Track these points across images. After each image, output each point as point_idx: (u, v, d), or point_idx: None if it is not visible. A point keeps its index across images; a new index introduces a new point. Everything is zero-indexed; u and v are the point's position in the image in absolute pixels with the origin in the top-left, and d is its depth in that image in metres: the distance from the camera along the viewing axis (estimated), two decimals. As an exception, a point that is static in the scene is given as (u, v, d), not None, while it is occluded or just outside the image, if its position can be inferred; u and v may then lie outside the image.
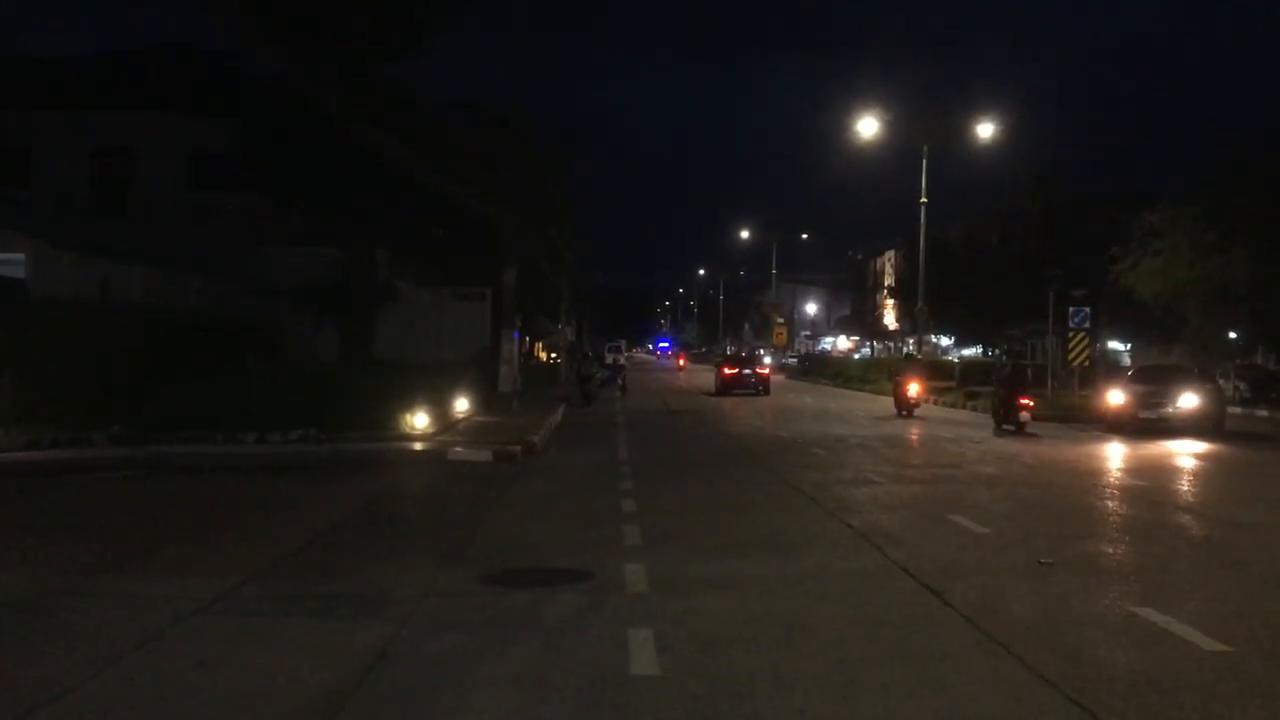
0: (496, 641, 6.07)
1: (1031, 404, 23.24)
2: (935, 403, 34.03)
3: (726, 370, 41.68)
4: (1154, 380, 23.57)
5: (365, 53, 20.99)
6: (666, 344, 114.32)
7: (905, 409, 28.24)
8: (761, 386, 40.20)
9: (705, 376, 50.34)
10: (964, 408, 31.66)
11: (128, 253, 23.38)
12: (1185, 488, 14.55)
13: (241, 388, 17.14)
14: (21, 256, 19.99)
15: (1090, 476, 15.45)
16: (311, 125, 21.89)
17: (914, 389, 29.11)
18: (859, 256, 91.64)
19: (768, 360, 54.30)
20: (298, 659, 5.74)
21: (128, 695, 5.15)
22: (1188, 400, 22.06)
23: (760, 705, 5.03)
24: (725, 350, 76.20)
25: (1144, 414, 22.22)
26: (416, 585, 7.43)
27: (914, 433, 23.12)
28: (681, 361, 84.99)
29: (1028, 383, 25.14)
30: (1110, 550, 9.44)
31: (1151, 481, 14.65)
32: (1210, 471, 16.60)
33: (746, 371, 41.35)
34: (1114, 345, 47.56)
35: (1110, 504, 12.78)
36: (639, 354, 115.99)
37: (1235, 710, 5.07)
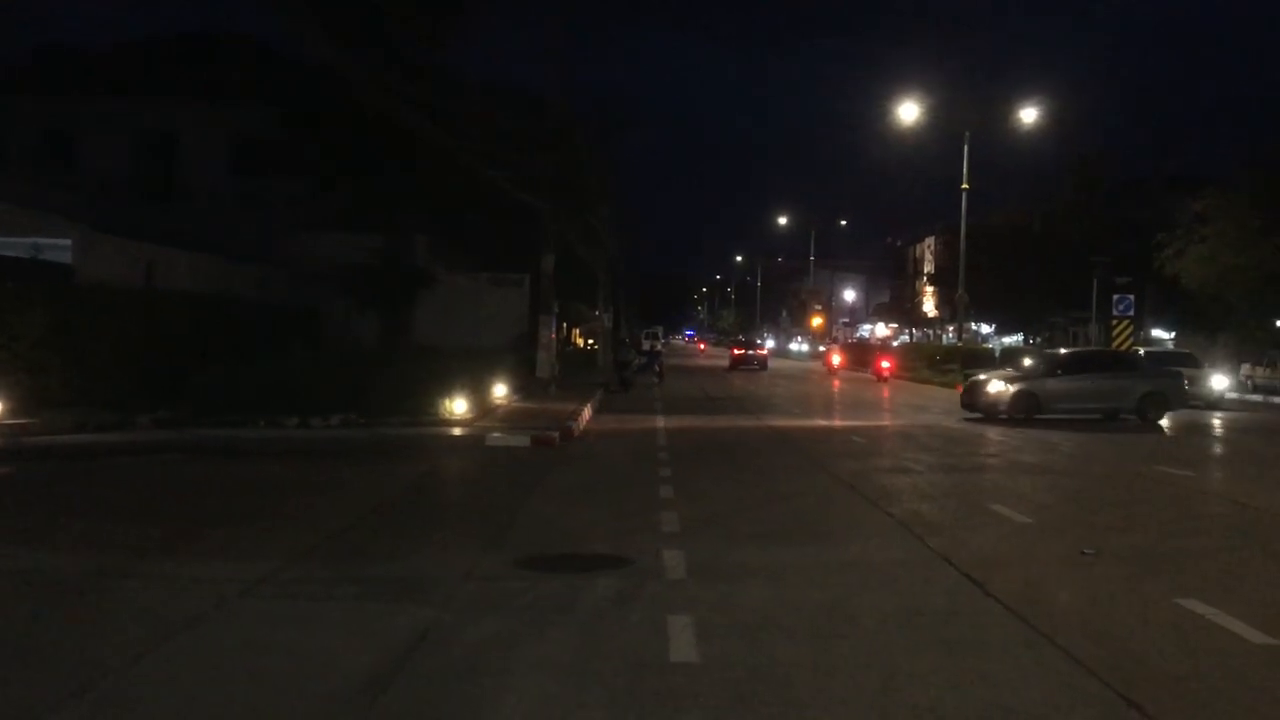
0: (536, 626, 6.09)
1: (891, 365, 41.23)
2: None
3: (735, 351, 55.85)
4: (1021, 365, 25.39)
5: (405, 36, 21.05)
6: (691, 333, 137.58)
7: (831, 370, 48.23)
8: (759, 363, 52.43)
9: (722, 359, 61.74)
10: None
11: (171, 238, 23.65)
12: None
13: (283, 372, 17.30)
14: (68, 242, 20.26)
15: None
16: (352, 110, 21.98)
17: (836, 359, 51.99)
18: (898, 243, 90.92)
19: (769, 344, 75.85)
20: (340, 641, 5.80)
21: (174, 676, 5.22)
22: (995, 387, 22.41)
23: (801, 693, 5.01)
24: (763, 337, 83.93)
25: (966, 399, 23.27)
26: (457, 569, 7.47)
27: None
28: (702, 346, 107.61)
29: (890, 351, 45.61)
30: (1154, 540, 9.31)
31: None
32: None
33: (750, 353, 54.36)
34: (1158, 333, 46.94)
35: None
36: (676, 340, 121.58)
37: (1285, 705, 4.99)
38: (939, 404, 27.02)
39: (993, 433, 19.73)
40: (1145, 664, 5.54)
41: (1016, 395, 21.94)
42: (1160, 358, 28.27)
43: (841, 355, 53.57)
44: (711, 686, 5.07)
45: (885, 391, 35.07)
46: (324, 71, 21.91)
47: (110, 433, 15.04)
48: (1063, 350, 29.73)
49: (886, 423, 22.40)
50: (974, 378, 24.42)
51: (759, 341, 64.16)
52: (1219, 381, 28.55)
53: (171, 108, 29.19)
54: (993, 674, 5.35)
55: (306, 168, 25.53)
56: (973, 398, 22.91)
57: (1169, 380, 22.94)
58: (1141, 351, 29.30)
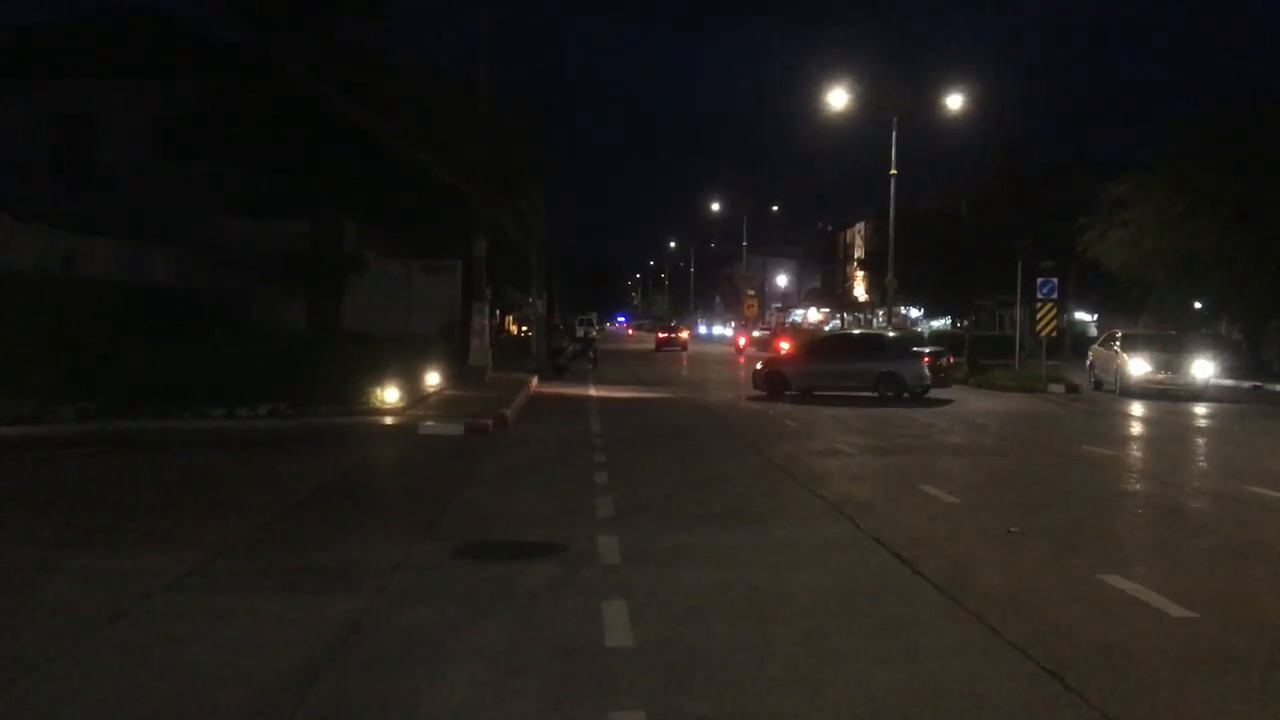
0: (470, 614, 6.06)
1: (789, 345, 36.31)
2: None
3: (660, 335, 65.35)
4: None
5: (332, 13, 20.70)
6: (623, 318, 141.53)
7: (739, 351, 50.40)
8: (681, 345, 61.17)
9: (649, 342, 69.64)
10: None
11: (91, 224, 22.99)
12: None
13: (209, 361, 16.94)
14: (-19, 229, 19.61)
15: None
16: (278, 91, 21.55)
17: (742, 341, 57.28)
18: (829, 228, 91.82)
19: (715, 330, 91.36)
20: (270, 633, 5.72)
21: (98, 671, 5.10)
22: (757, 367, 25.70)
23: (735, 674, 5.06)
24: (700, 322, 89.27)
25: (752, 379, 25.56)
26: (389, 559, 7.40)
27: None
28: (630, 331, 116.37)
29: (789, 334, 47.28)
30: (1077, 518, 9.53)
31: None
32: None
33: (673, 336, 63.18)
34: (1081, 315, 47.96)
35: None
36: (611, 327, 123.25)
37: (1203, 676, 5.14)
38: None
39: (741, 405, 22.92)
40: (1068, 637, 5.67)
41: (765, 375, 24.76)
42: (1141, 340, 27.96)
43: (746, 338, 59.68)
44: (646, 670, 5.09)
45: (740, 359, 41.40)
46: (247, 51, 21.47)
47: (29, 425, 14.64)
48: (823, 335, 34.04)
49: (687, 395, 25.48)
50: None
51: (680, 327, 72.41)
52: (1202, 368, 25.77)
53: (89, 89, 28.32)
54: (922, 650, 5.44)
55: (230, 151, 24.99)
56: (753, 377, 25.29)
57: (906, 362, 24.12)
58: (1118, 335, 29.05)
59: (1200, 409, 22.69)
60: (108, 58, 28.19)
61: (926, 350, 25.79)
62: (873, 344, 26.35)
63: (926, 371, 23.78)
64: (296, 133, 22.51)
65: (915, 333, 47.69)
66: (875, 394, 23.30)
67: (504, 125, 26.74)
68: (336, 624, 5.84)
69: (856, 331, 33.96)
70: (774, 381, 24.14)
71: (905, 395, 23.27)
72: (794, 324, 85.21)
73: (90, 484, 10.97)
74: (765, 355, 28.96)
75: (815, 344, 26.45)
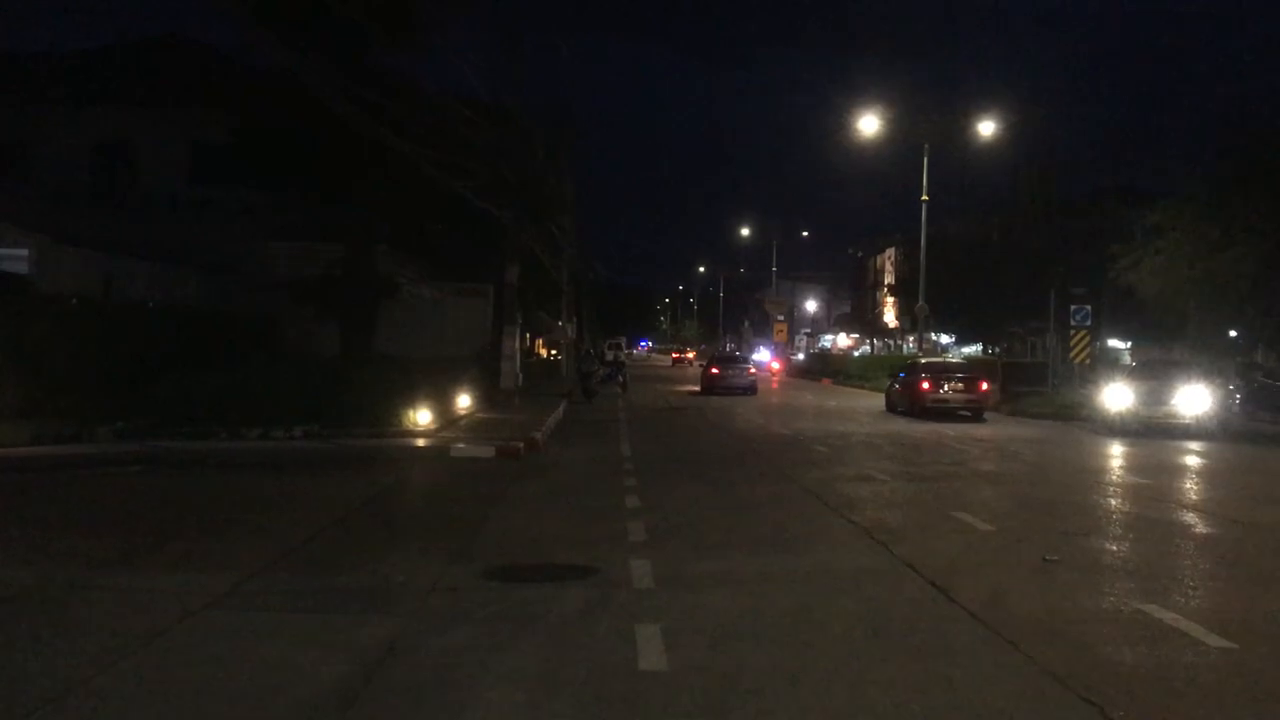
0: (504, 637, 6.08)
1: (780, 366, 61.02)
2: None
3: (674, 355, 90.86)
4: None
5: (364, 41, 20.95)
6: (644, 343, 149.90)
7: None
8: (689, 362, 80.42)
9: (665, 361, 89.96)
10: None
11: (129, 247, 23.38)
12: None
13: (244, 383, 17.14)
14: (25, 252, 19.99)
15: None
16: (312, 118, 21.84)
17: (776, 365, 67.43)
18: (859, 254, 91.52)
19: (746, 356, 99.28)
20: (307, 653, 5.75)
21: (137, 690, 5.16)
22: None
23: (769, 701, 5.04)
24: (726, 347, 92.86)
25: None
26: (423, 580, 7.44)
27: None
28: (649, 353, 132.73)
29: (781, 356, 69.52)
30: (1114, 547, 9.45)
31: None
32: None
33: (684, 356, 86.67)
34: (1115, 343, 47.51)
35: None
36: (638, 351, 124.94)
37: (1243, 706, 5.09)
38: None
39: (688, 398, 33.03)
40: (1107, 667, 5.62)
41: (702, 378, 39.36)
42: (1140, 369, 27.27)
43: (781, 363, 69.94)
44: (680, 694, 5.09)
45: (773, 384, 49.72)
46: (283, 79, 21.77)
47: (68, 445, 14.84)
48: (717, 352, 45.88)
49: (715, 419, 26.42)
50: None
51: (690, 350, 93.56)
52: (1191, 399, 21.86)
53: (128, 115, 28.85)
54: (958, 679, 5.41)
55: (266, 176, 25.34)
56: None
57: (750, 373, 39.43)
58: (1128, 360, 28.23)
59: (1195, 445, 20.00)
60: (146, 85, 28.78)
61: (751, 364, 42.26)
62: (742, 360, 42.76)
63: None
64: (331, 159, 22.77)
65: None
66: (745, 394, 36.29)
67: (534, 152, 26.95)
68: (372, 644, 5.87)
69: (733, 352, 48.22)
70: (708, 384, 37.95)
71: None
72: (823, 350, 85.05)
73: (128, 503, 11.07)
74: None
75: (716, 358, 41.89)
